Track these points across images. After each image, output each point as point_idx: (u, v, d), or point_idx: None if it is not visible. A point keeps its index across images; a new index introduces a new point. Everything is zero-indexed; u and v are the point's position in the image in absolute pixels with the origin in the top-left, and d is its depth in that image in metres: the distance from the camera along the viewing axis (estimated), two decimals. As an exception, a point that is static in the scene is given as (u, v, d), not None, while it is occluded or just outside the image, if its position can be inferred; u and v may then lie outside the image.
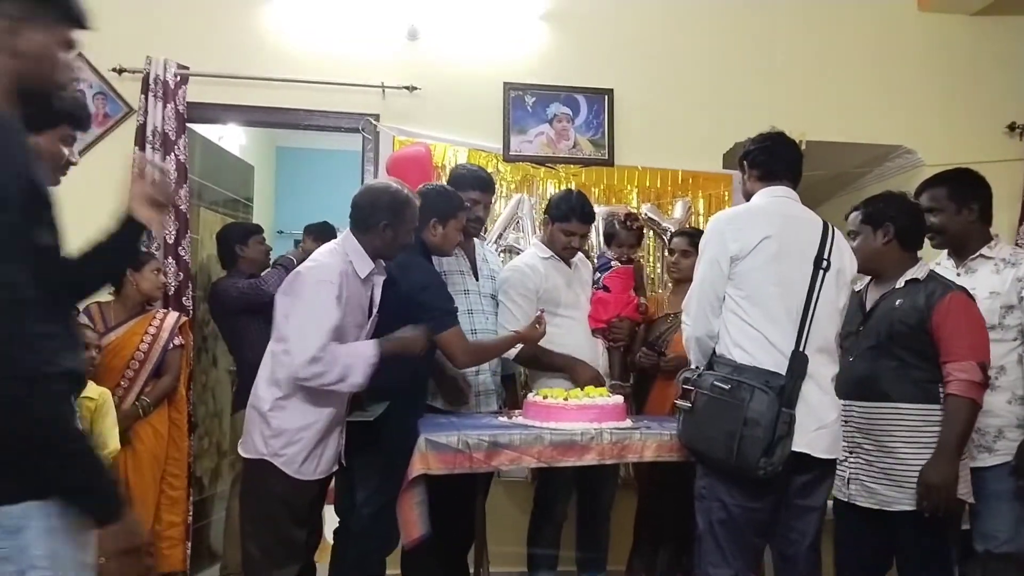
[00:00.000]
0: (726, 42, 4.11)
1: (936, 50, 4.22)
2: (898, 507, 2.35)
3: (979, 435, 2.52)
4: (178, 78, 3.62)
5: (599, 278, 3.27)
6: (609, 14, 4.04)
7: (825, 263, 2.27)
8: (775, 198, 2.37)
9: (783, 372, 2.19)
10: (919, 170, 4.08)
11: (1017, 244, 3.86)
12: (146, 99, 3.57)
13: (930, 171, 4.06)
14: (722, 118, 3.99)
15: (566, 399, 2.58)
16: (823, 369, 2.26)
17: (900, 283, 2.45)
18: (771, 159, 2.42)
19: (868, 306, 2.54)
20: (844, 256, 2.35)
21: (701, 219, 3.94)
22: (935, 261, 2.82)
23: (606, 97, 3.98)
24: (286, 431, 2.39)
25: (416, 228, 2.60)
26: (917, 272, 2.46)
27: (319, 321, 2.33)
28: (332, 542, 2.79)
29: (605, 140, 3.97)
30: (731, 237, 2.26)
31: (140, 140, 3.56)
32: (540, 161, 3.93)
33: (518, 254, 3.49)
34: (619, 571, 3.37)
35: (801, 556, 2.30)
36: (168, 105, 3.58)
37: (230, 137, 5.21)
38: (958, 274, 2.68)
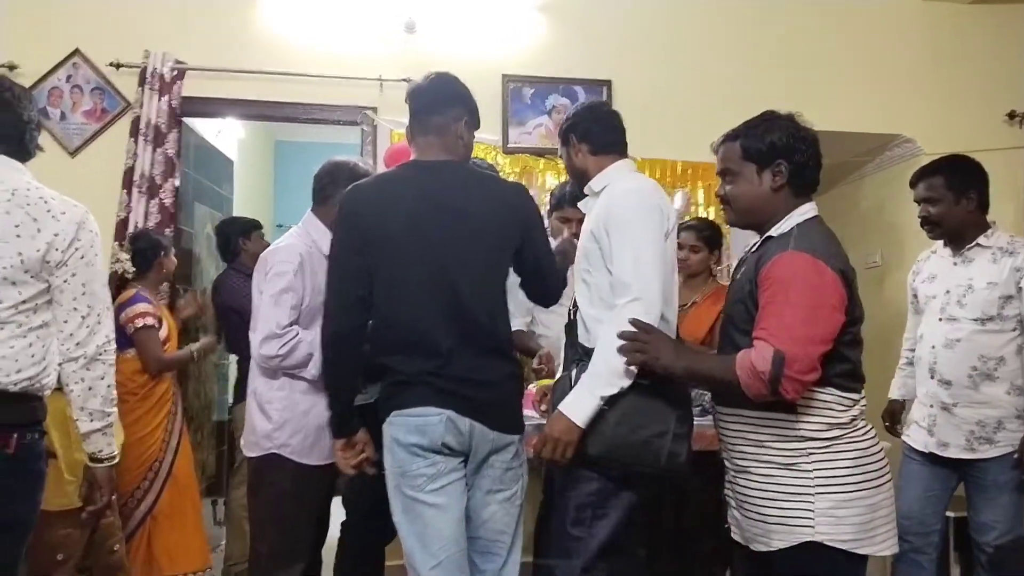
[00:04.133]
0: (724, 32, 4.10)
1: (935, 38, 4.21)
2: (758, 546, 1.79)
3: (980, 427, 2.52)
4: (175, 72, 3.61)
5: None
6: (607, 5, 4.03)
7: (674, 230, 2.15)
8: (636, 171, 2.21)
9: None
10: (918, 159, 4.06)
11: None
12: (142, 93, 3.57)
13: (930, 160, 4.09)
14: (720, 108, 3.95)
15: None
16: None
17: (755, 245, 1.89)
18: (606, 130, 2.21)
19: None
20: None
21: (700, 209, 3.95)
22: (931, 250, 2.80)
23: (604, 88, 3.97)
24: (290, 420, 2.39)
25: None
26: (782, 225, 1.81)
27: (276, 299, 2.34)
28: (340, 535, 2.78)
29: (604, 131, 3.96)
30: (667, 213, 2.07)
31: (134, 133, 3.57)
32: (539, 152, 3.93)
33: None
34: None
35: None
36: (162, 99, 3.57)
37: (229, 131, 5.20)
38: (954, 263, 2.65)
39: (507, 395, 2.05)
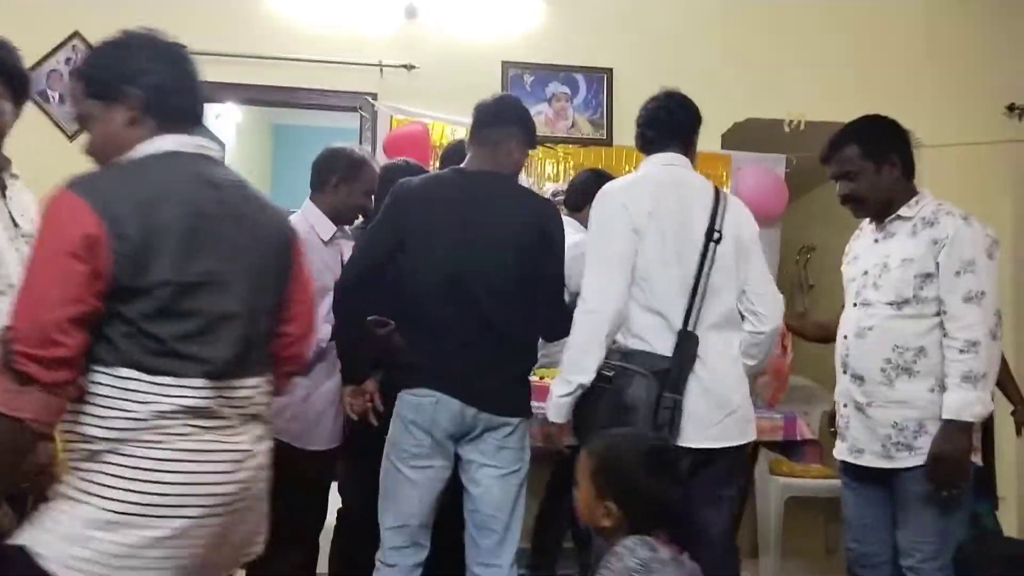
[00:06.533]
0: (725, 22, 4.09)
1: (935, 30, 4.19)
2: None
3: (896, 431, 2.14)
4: (174, 56, 3.59)
5: None
6: (608, -8, 4.02)
7: (717, 234, 2.09)
8: (667, 167, 2.19)
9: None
10: (918, 151, 4.03)
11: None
12: (142, 77, 3.55)
13: (928, 152, 4.08)
14: (721, 99, 3.96)
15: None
16: (722, 347, 2.10)
17: None
18: (646, 126, 2.25)
19: None
20: (740, 221, 2.17)
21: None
22: (859, 228, 2.47)
23: (605, 77, 3.97)
24: (288, 406, 2.41)
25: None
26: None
27: None
28: (336, 522, 2.80)
29: (604, 120, 3.96)
30: (634, 210, 2.06)
31: (132, 118, 3.55)
32: (538, 141, 3.91)
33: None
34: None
35: (717, 547, 2.09)
36: (163, 83, 3.56)
37: (227, 115, 5.19)
38: (875, 240, 2.30)
39: (506, 383, 2.18)
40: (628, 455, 1.62)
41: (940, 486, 2.09)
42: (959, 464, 2.08)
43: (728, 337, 2.12)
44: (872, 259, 2.28)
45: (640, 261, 2.05)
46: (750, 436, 2.15)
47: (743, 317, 2.18)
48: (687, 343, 2.03)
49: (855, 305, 2.30)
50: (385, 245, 2.19)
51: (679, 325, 2.05)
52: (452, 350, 2.12)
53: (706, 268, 2.07)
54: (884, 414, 2.18)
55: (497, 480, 2.15)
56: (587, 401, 2.07)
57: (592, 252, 2.10)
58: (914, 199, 2.25)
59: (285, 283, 1.57)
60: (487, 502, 2.15)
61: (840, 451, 2.33)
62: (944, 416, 2.09)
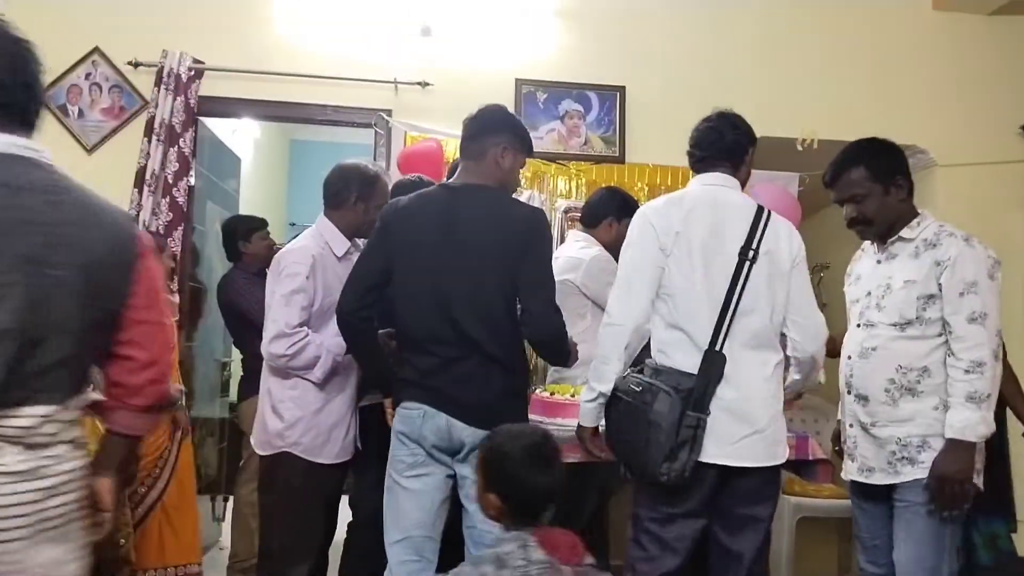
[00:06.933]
0: (738, 40, 4.11)
1: (950, 50, 4.20)
2: None
3: (901, 446, 2.16)
4: (192, 72, 3.65)
5: None
6: (622, 12, 4.05)
7: (752, 253, 2.08)
8: (706, 186, 2.19)
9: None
10: (931, 170, 4.06)
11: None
12: (158, 92, 3.61)
13: (943, 171, 4.09)
14: (734, 116, 3.98)
15: (573, 395, 2.60)
16: (754, 366, 2.07)
17: None
18: (695, 146, 2.25)
19: None
20: (780, 242, 2.14)
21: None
22: (860, 249, 2.47)
23: (618, 94, 3.99)
24: (302, 418, 2.42)
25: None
26: None
27: (287, 299, 2.39)
28: (346, 536, 2.80)
29: (616, 137, 3.98)
30: (661, 229, 2.10)
31: (148, 132, 3.61)
32: (551, 158, 3.94)
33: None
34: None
35: (743, 568, 2.08)
36: (178, 98, 3.61)
37: (244, 130, 5.25)
38: (878, 261, 2.31)
39: (494, 398, 2.15)
40: (507, 449, 1.68)
41: (941, 505, 2.10)
42: (961, 484, 2.09)
43: (763, 357, 2.09)
44: (875, 280, 2.29)
45: (666, 278, 2.09)
46: (779, 458, 2.10)
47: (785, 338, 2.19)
48: (713, 362, 2.03)
49: (858, 326, 2.31)
50: (376, 268, 2.22)
51: (704, 343, 2.04)
52: (438, 366, 2.14)
53: (738, 287, 2.07)
54: (889, 432, 2.20)
55: None
56: (615, 414, 2.13)
57: (620, 268, 2.17)
58: (915, 220, 2.26)
59: (114, 298, 1.40)
60: (482, 518, 2.10)
61: (850, 471, 2.32)
62: (947, 435, 2.10)
